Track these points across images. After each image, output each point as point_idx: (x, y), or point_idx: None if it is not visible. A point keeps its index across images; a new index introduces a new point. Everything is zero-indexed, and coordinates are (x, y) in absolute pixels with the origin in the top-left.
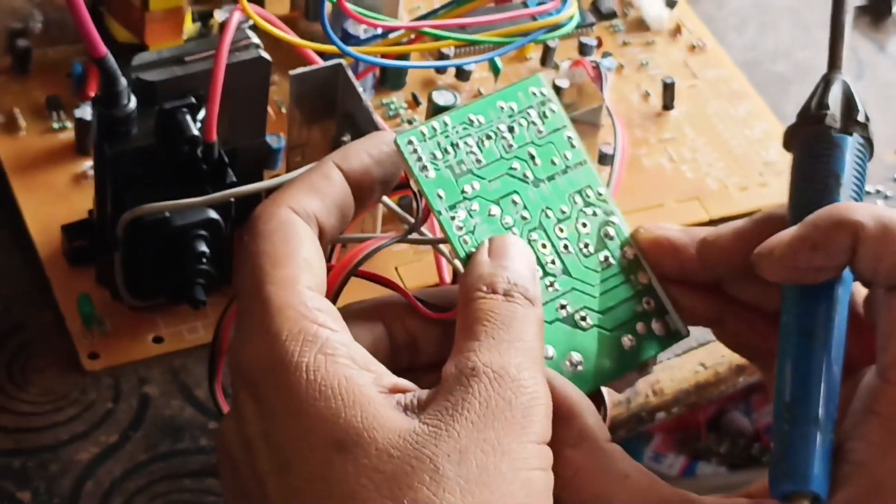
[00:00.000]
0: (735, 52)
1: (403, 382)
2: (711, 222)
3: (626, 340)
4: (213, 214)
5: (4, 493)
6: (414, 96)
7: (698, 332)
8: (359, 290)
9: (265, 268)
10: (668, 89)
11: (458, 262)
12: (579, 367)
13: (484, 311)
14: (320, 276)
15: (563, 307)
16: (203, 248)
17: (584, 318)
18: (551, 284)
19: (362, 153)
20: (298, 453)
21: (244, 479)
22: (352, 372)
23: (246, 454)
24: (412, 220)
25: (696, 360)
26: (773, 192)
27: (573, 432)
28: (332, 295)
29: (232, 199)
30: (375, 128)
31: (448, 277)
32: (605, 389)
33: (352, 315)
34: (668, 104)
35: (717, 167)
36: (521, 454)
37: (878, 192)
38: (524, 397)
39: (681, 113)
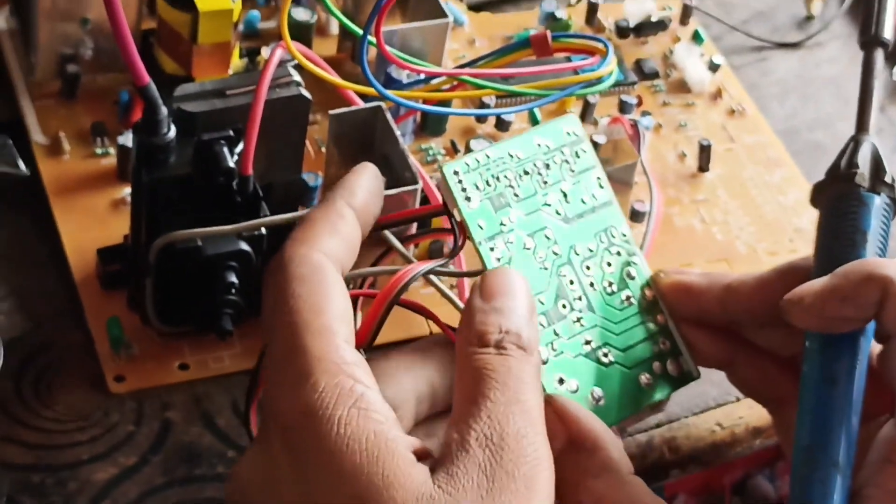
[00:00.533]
0: (775, 120)
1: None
2: None
3: (644, 378)
4: (244, 246)
5: None
6: (453, 143)
7: (716, 393)
8: (394, 319)
9: (303, 315)
10: (705, 151)
11: None
12: (601, 402)
13: (479, 369)
14: (351, 325)
15: (587, 342)
16: (233, 278)
17: (606, 355)
18: (578, 320)
19: (363, 189)
20: (325, 502)
21: None
22: (381, 427)
23: (270, 496)
24: (411, 258)
25: (713, 419)
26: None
27: (597, 463)
28: (376, 325)
29: (264, 232)
30: (410, 171)
31: None
32: (616, 432)
33: (404, 354)
34: (703, 166)
35: (748, 231)
36: None
37: None
38: (525, 467)
39: (716, 175)
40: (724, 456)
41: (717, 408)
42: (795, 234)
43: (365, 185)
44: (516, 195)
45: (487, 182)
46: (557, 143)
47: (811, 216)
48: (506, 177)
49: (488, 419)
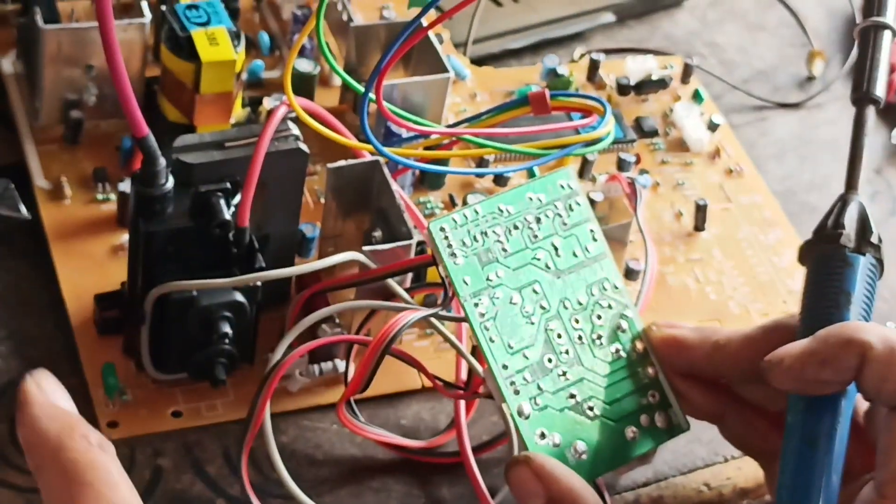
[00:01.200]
0: (772, 180)
1: None
2: None
3: (629, 432)
4: (239, 297)
5: None
6: (451, 197)
7: (704, 453)
8: (385, 371)
9: None
10: (701, 211)
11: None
12: (583, 456)
13: None
14: None
15: (572, 396)
16: (227, 329)
17: (591, 408)
18: (564, 374)
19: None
20: None
21: None
22: None
23: None
24: (410, 299)
25: (700, 479)
26: None
27: None
28: (370, 372)
29: (259, 284)
30: (406, 226)
31: (464, 376)
32: (601, 485)
33: None
34: (699, 225)
35: (742, 292)
36: None
37: None
38: None
39: (711, 235)
40: None
41: (705, 468)
42: (789, 295)
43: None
44: (504, 250)
45: (475, 238)
46: (551, 197)
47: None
48: (494, 232)
49: None
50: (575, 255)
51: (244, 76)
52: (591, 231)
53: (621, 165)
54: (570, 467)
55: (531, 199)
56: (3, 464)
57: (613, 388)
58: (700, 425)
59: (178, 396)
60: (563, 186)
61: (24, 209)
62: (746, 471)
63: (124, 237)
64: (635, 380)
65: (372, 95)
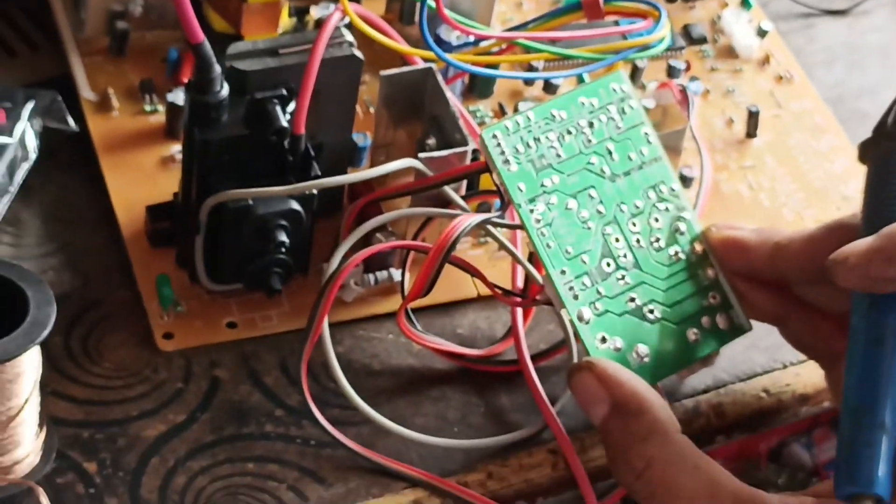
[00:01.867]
0: (821, 87)
1: None
2: None
3: (691, 334)
4: (295, 205)
5: (71, 462)
6: (500, 106)
7: (763, 360)
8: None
9: None
10: (753, 117)
11: (532, 269)
12: (645, 360)
13: None
14: None
15: (632, 300)
16: (283, 237)
17: (651, 311)
18: (622, 277)
19: None
20: None
21: None
22: None
23: None
24: (466, 207)
25: (759, 386)
26: None
27: (644, 426)
28: (433, 274)
29: (315, 192)
30: (461, 133)
31: (520, 284)
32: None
33: None
34: (751, 132)
35: (796, 198)
36: None
37: None
38: None
39: (763, 142)
40: (770, 423)
41: (763, 374)
42: (843, 202)
43: None
44: (559, 156)
45: (528, 144)
46: (603, 102)
47: (858, 184)
48: (547, 138)
49: None
50: (630, 158)
51: None
52: (646, 134)
53: (671, 72)
54: (633, 371)
55: (583, 103)
56: (61, 376)
57: (673, 290)
58: (759, 331)
59: (233, 307)
60: (615, 90)
61: (71, 121)
62: (805, 377)
63: (174, 148)
64: (695, 282)
65: (430, 2)
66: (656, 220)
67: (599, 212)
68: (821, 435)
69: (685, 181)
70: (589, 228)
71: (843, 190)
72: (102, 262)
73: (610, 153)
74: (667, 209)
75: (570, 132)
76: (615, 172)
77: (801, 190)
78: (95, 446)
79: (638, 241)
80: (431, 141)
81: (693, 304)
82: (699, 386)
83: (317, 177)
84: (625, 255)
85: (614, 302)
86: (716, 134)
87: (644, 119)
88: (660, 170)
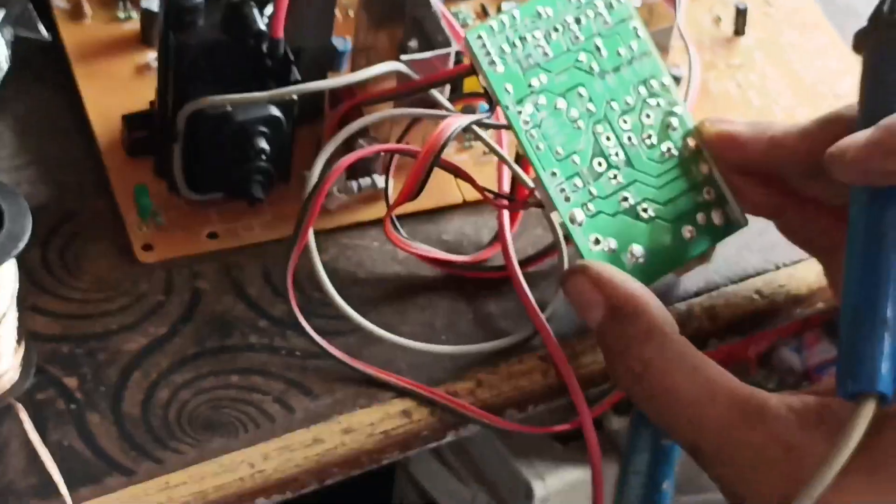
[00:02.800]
0: None
1: None
2: None
3: (686, 231)
4: (275, 112)
5: (52, 377)
6: (483, 7)
7: (756, 261)
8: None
9: None
10: (741, 15)
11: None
12: (640, 260)
13: None
14: None
15: (625, 199)
16: (263, 144)
17: (645, 210)
18: (615, 177)
19: None
20: None
21: None
22: None
23: None
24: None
25: (752, 287)
26: None
27: (641, 328)
28: (423, 176)
29: (295, 98)
30: (444, 35)
31: (507, 188)
32: None
33: None
34: (739, 30)
35: (786, 96)
36: None
37: None
38: None
39: (752, 39)
40: (764, 325)
41: (756, 276)
42: (835, 100)
43: None
44: (546, 54)
45: (514, 44)
46: None
47: (851, 82)
48: (534, 36)
49: None
50: (619, 54)
51: None
52: (634, 28)
53: None
54: (628, 272)
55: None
56: (39, 290)
57: (667, 188)
58: (752, 232)
59: (214, 217)
60: None
61: (43, 30)
62: (799, 278)
63: (150, 56)
64: (689, 178)
65: None
66: (647, 116)
67: (589, 110)
68: (811, 339)
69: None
70: (579, 128)
71: (836, 88)
72: (79, 173)
73: (598, 49)
74: (658, 104)
75: (556, 29)
76: (604, 69)
77: (790, 87)
78: (76, 361)
79: (629, 138)
80: (413, 43)
81: (687, 201)
82: (691, 289)
83: (297, 82)
84: (616, 154)
85: (607, 202)
86: (703, 32)
87: (632, 13)
88: (650, 64)
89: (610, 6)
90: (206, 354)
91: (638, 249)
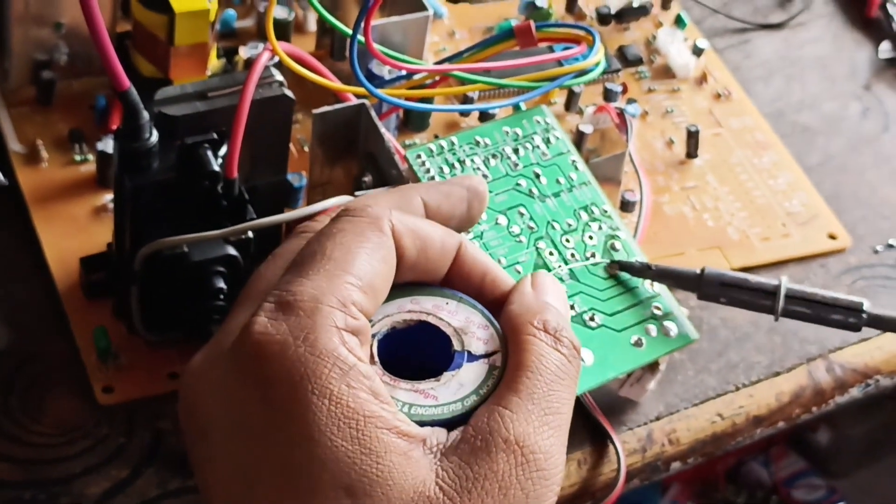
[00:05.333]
0: (761, 102)
1: (416, 430)
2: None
3: (635, 339)
4: (231, 251)
5: None
6: (436, 138)
7: (714, 383)
8: None
9: (331, 266)
10: (693, 137)
11: None
12: (588, 363)
13: (534, 353)
14: (374, 294)
15: (571, 307)
16: (221, 284)
17: (591, 318)
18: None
19: (443, 192)
20: (308, 483)
21: (217, 453)
22: (373, 408)
23: (234, 437)
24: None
25: (713, 410)
26: (796, 242)
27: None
28: None
29: (251, 235)
30: (397, 168)
31: None
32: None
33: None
34: (691, 152)
35: (740, 217)
36: None
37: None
38: (542, 489)
39: (704, 161)
40: (725, 446)
41: (716, 398)
42: (788, 217)
43: (449, 190)
44: (485, 176)
45: (453, 165)
46: (527, 132)
47: (803, 199)
48: (472, 161)
49: (525, 422)
50: (558, 182)
51: (217, 27)
52: (573, 161)
53: (608, 96)
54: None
55: (507, 132)
56: None
57: (614, 300)
58: (709, 354)
59: (174, 357)
60: (539, 122)
61: (0, 175)
62: (759, 398)
63: (106, 198)
64: (637, 293)
65: (360, 37)
66: (590, 237)
67: (531, 227)
68: (777, 452)
69: (627, 205)
70: (521, 242)
71: (788, 206)
72: (38, 316)
73: (537, 176)
74: (600, 227)
75: (495, 156)
76: (544, 194)
77: (745, 208)
78: None
79: (573, 255)
80: (368, 178)
81: (636, 314)
82: (651, 413)
83: (252, 219)
84: (559, 267)
85: None
86: (656, 155)
87: (570, 148)
88: (590, 192)
89: (547, 141)
90: (169, 496)
91: (587, 354)
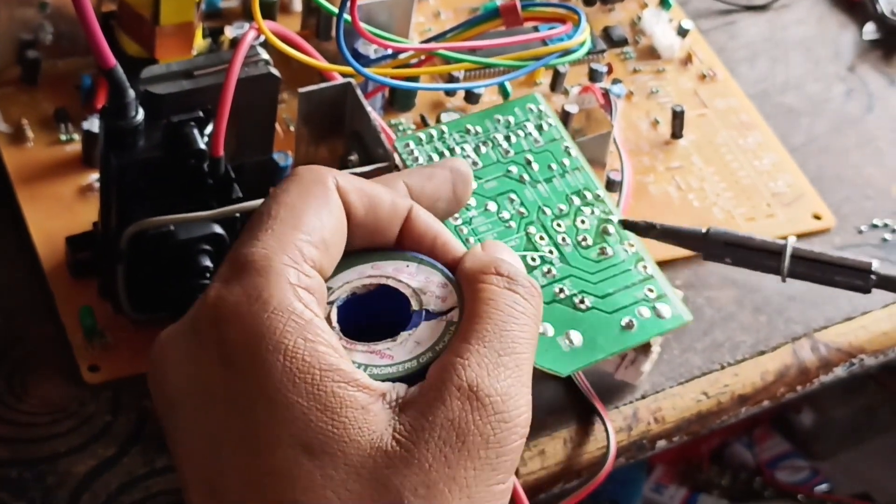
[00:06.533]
0: (745, 83)
1: (376, 385)
2: None
3: (626, 321)
4: (217, 229)
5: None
6: (422, 118)
7: (700, 362)
8: None
9: (279, 223)
10: (678, 118)
11: None
12: (577, 344)
13: (485, 299)
14: (326, 249)
15: (560, 290)
16: (207, 262)
17: (582, 301)
18: (549, 271)
19: (426, 175)
20: (266, 442)
21: (185, 422)
22: (330, 360)
23: (199, 404)
24: None
25: (698, 388)
26: (780, 222)
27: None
28: None
29: (237, 215)
30: (383, 147)
31: None
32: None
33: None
34: (676, 133)
35: (725, 197)
36: (485, 498)
37: (885, 225)
38: (503, 433)
39: (689, 142)
40: (710, 425)
41: (701, 377)
42: (773, 198)
43: (432, 171)
44: (475, 163)
45: (442, 154)
46: (520, 119)
47: (787, 180)
48: (462, 149)
49: (479, 367)
50: (550, 168)
51: (202, 7)
52: (566, 147)
53: (593, 76)
54: (565, 355)
55: (499, 120)
56: None
57: (605, 283)
58: (695, 333)
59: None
60: (531, 109)
61: None
62: (744, 377)
63: (92, 177)
64: (628, 276)
65: (346, 16)
66: (582, 221)
67: (521, 213)
68: (761, 434)
69: (612, 185)
70: (510, 227)
71: (773, 186)
72: (24, 296)
73: (529, 163)
74: (592, 212)
75: (485, 143)
76: (535, 179)
77: (730, 188)
78: (24, 486)
79: (564, 239)
80: (354, 157)
81: (627, 296)
82: (637, 392)
83: (238, 199)
84: (550, 252)
85: (543, 291)
86: (641, 136)
87: (563, 135)
88: (583, 177)
89: (540, 128)
90: (156, 474)
91: (576, 336)
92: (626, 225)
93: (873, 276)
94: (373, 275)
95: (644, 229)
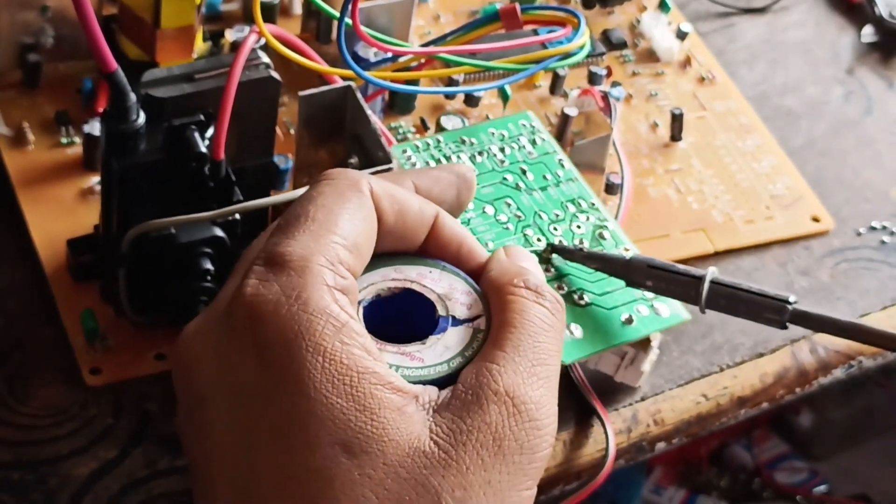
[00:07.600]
0: (744, 85)
1: (409, 387)
2: (716, 255)
3: (626, 317)
4: (218, 232)
5: None
6: (422, 121)
7: (699, 364)
8: None
9: (317, 226)
10: (677, 120)
11: None
12: (578, 336)
13: (517, 310)
14: (360, 252)
15: (560, 287)
16: (208, 265)
17: (581, 297)
18: (547, 269)
19: (433, 177)
20: (304, 440)
21: (215, 417)
22: (367, 364)
23: (231, 399)
24: None
25: (698, 390)
26: (779, 225)
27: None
28: None
29: (238, 217)
30: (383, 150)
31: None
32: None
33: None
34: (676, 135)
35: (724, 199)
36: (515, 502)
37: (884, 227)
38: (536, 440)
39: (688, 144)
40: (710, 427)
41: (701, 379)
42: (772, 200)
43: (439, 175)
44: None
45: (439, 161)
46: (513, 133)
47: (786, 182)
48: (458, 157)
49: (513, 373)
50: (545, 178)
51: (203, 10)
52: (560, 160)
53: (593, 79)
54: (567, 345)
55: (493, 133)
56: None
57: (603, 282)
58: (694, 335)
59: (162, 338)
60: (524, 125)
61: None
62: (743, 379)
63: (93, 180)
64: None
65: (347, 19)
66: (578, 227)
67: (518, 216)
68: (760, 435)
69: (612, 188)
70: (508, 229)
71: (772, 189)
72: (25, 299)
73: (524, 172)
74: (587, 219)
75: (481, 153)
76: (531, 187)
77: (729, 191)
78: (26, 488)
79: (560, 241)
80: (354, 160)
81: (625, 295)
82: (636, 394)
83: (239, 201)
84: (548, 251)
85: None
86: (640, 139)
87: (556, 149)
88: (577, 188)
89: (534, 142)
90: (157, 476)
91: (575, 328)
92: (555, 249)
93: (789, 310)
94: (396, 278)
95: (571, 252)
